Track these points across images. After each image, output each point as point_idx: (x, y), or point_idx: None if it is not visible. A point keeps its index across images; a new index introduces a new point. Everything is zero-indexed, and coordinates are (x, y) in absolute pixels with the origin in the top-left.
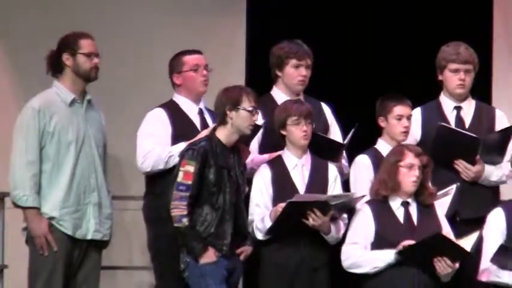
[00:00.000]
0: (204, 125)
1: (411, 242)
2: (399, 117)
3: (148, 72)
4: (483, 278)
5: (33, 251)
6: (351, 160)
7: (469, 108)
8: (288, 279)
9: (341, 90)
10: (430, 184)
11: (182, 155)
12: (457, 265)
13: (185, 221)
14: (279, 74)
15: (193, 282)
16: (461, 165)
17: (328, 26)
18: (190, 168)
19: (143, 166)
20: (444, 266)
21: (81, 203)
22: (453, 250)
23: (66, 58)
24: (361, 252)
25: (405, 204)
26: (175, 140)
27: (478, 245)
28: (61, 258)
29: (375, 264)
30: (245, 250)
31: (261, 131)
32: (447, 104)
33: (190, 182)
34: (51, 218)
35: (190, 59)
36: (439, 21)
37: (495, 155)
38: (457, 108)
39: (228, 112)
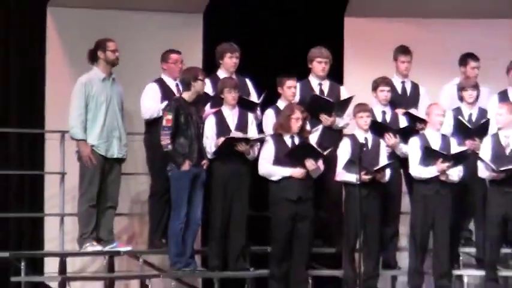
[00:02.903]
0: (178, 91)
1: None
2: (289, 87)
3: (141, 61)
4: (337, 178)
5: (81, 164)
6: (262, 111)
7: (326, 85)
8: (225, 180)
9: (257, 70)
10: (307, 127)
11: (164, 108)
12: (320, 164)
13: (170, 146)
14: (221, 62)
15: (173, 179)
16: (323, 117)
17: (252, 31)
18: (169, 116)
19: (145, 116)
20: (309, 165)
21: (109, 136)
22: (314, 153)
23: (100, 53)
24: (269, 166)
25: (292, 138)
26: (162, 100)
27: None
28: (98, 168)
29: (278, 175)
30: (205, 163)
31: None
32: (314, 81)
33: (169, 125)
34: (92, 146)
35: (173, 56)
36: (309, 32)
37: (340, 112)
38: (320, 84)
39: (192, 82)
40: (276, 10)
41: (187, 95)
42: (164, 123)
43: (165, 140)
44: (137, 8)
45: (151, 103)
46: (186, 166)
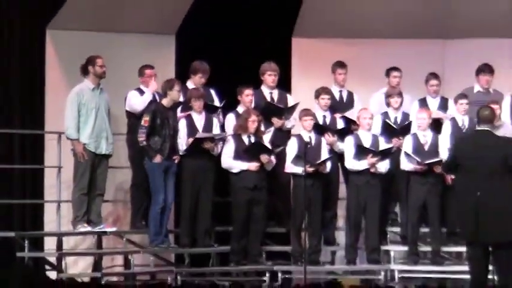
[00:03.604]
0: (154, 98)
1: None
2: (246, 95)
3: (123, 74)
4: (286, 170)
5: (75, 159)
6: (224, 115)
7: (276, 93)
8: (194, 172)
9: (221, 81)
10: (261, 128)
11: (143, 111)
12: (272, 159)
13: (144, 142)
14: (192, 77)
15: (148, 170)
16: (274, 120)
17: (216, 49)
18: (146, 118)
19: (136, 108)
20: (263, 159)
21: (98, 136)
22: (267, 150)
23: (90, 68)
24: (230, 160)
25: (249, 137)
26: (141, 105)
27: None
28: (89, 162)
29: (238, 168)
30: (177, 158)
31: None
32: (266, 91)
33: (146, 125)
34: (84, 144)
35: (147, 71)
36: (263, 50)
37: (288, 115)
38: (271, 93)
39: (168, 91)
40: (236, 32)
41: (165, 101)
42: (142, 123)
43: (141, 137)
44: (120, 30)
45: (136, 102)
46: (157, 159)
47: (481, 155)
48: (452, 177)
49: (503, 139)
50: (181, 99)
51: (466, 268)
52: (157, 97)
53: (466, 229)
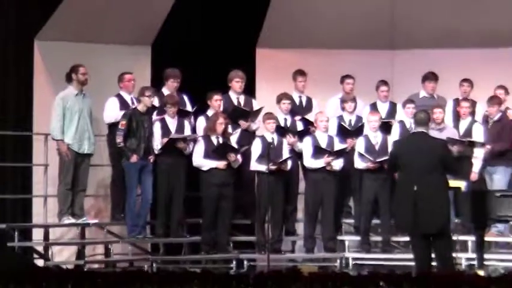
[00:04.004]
0: (132, 104)
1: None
2: (215, 100)
3: (104, 81)
4: (251, 168)
5: (60, 158)
6: (195, 118)
7: (242, 98)
8: (168, 170)
9: (193, 88)
10: (228, 130)
11: (121, 116)
12: (238, 157)
13: (122, 144)
14: (166, 82)
15: (125, 169)
16: (241, 122)
17: (189, 58)
18: (123, 122)
19: (106, 120)
20: (230, 158)
21: (81, 137)
22: (233, 150)
23: (74, 75)
24: (200, 159)
25: (218, 138)
26: (121, 108)
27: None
28: (72, 161)
29: (208, 166)
30: (151, 157)
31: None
32: (233, 96)
33: (123, 128)
34: (68, 144)
35: (127, 76)
36: (230, 59)
37: (253, 118)
38: (237, 98)
39: (141, 98)
40: (207, 42)
41: (140, 107)
42: (119, 126)
43: (119, 139)
44: (101, 41)
45: (111, 112)
46: (134, 159)
47: (417, 154)
48: None
49: (436, 140)
50: (156, 104)
51: (412, 256)
52: (135, 101)
53: (405, 220)
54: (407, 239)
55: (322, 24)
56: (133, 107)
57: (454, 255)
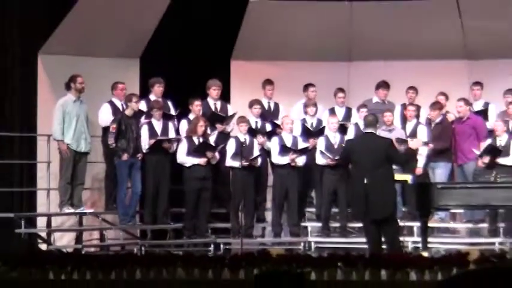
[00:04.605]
0: (123, 110)
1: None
2: (196, 105)
3: (98, 89)
4: (227, 164)
5: (61, 156)
6: (179, 121)
7: (219, 104)
8: (154, 166)
9: (176, 94)
10: (207, 131)
11: (111, 121)
12: (216, 155)
13: (114, 145)
14: (152, 89)
15: (117, 166)
16: (217, 125)
17: (172, 69)
18: (114, 125)
19: (101, 123)
20: (209, 156)
21: (79, 138)
22: (211, 148)
23: (72, 84)
24: (183, 157)
25: (198, 139)
26: (113, 114)
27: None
28: (71, 158)
29: (190, 162)
30: (139, 155)
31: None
32: (211, 102)
33: (114, 131)
34: (67, 144)
35: (119, 86)
36: (208, 70)
37: (229, 122)
38: (215, 104)
39: (128, 103)
40: (189, 55)
41: (128, 112)
42: (111, 129)
43: (110, 140)
44: (96, 55)
45: (104, 116)
46: (124, 157)
47: (367, 151)
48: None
49: (383, 139)
50: (144, 109)
51: (365, 239)
52: (124, 106)
53: (358, 209)
54: (361, 225)
55: (289, 39)
56: (122, 112)
57: (401, 238)
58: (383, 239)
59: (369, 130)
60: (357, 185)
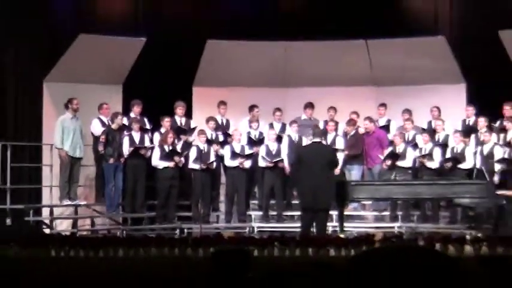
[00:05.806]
0: (109, 124)
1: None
2: (166, 121)
3: (89, 109)
4: (189, 166)
5: (61, 161)
6: (153, 133)
7: (183, 120)
8: (133, 168)
9: (150, 113)
10: (175, 141)
11: (102, 132)
12: (182, 160)
13: (102, 151)
14: (132, 109)
15: (105, 167)
16: (182, 137)
17: (148, 94)
18: (103, 136)
19: (94, 133)
20: (177, 160)
21: (75, 146)
22: (178, 155)
23: (69, 105)
24: (157, 161)
25: (168, 147)
26: (102, 127)
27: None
28: (69, 162)
29: (162, 165)
30: (122, 160)
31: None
32: (177, 119)
33: (103, 141)
34: (66, 151)
35: (104, 106)
36: (176, 94)
37: (191, 134)
38: (180, 120)
39: (114, 119)
40: (161, 82)
41: (113, 126)
42: (100, 140)
43: (100, 148)
44: (87, 82)
45: (94, 129)
46: (110, 161)
47: (315, 156)
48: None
49: (327, 147)
50: (126, 123)
51: (297, 225)
52: (110, 122)
53: (306, 200)
54: (293, 213)
55: (238, 70)
56: (108, 125)
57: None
58: (314, 224)
59: (317, 139)
60: (306, 184)
